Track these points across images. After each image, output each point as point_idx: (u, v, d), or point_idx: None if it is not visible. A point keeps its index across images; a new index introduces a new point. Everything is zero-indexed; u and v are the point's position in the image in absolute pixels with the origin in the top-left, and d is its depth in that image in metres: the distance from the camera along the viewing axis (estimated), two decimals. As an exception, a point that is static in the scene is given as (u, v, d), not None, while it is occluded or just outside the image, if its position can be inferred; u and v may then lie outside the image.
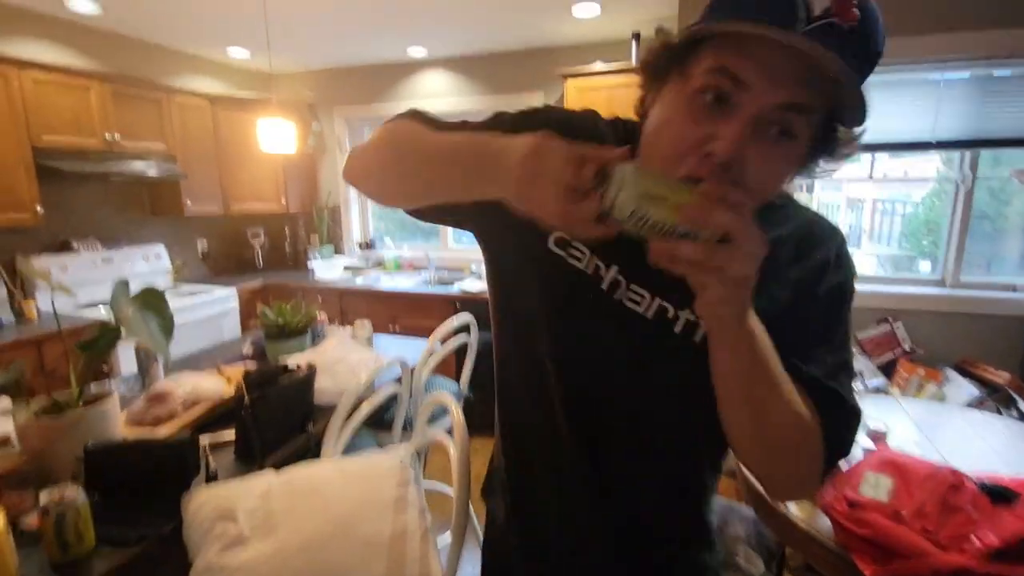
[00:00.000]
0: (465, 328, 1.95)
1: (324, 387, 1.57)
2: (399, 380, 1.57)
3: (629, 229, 0.42)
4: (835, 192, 3.58)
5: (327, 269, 3.64)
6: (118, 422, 1.24)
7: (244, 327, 3.35)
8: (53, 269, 2.83)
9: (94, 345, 1.15)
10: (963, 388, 2.22)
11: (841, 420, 0.57)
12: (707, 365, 0.51)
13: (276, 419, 1.32)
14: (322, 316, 1.99)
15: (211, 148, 3.52)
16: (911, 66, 2.34)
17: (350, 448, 1.57)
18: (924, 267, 2.92)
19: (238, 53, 3.58)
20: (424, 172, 0.59)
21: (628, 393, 0.62)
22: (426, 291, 3.32)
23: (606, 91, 2.93)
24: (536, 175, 0.44)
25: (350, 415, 1.39)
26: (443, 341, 1.92)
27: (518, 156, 0.45)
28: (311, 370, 1.43)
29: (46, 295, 2.80)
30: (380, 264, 4.00)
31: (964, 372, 2.34)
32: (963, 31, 2.21)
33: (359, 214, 4.21)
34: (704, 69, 0.47)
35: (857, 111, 0.46)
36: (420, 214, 0.68)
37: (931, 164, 2.74)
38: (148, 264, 3.34)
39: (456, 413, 1.08)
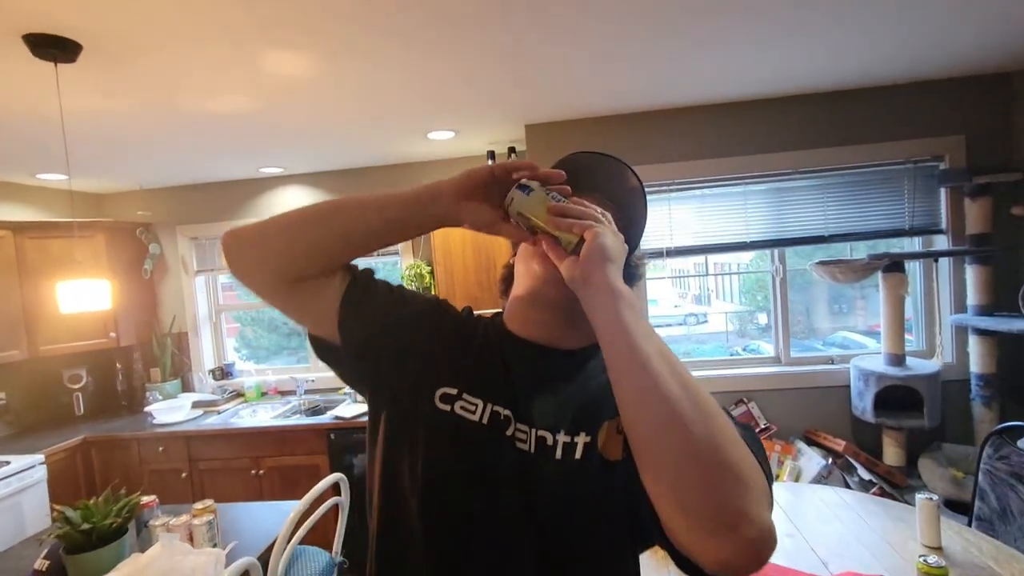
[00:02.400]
0: (335, 488, 1.73)
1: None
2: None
3: (523, 224, 0.63)
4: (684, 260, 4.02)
5: (171, 411, 3.12)
6: None
7: (55, 518, 2.69)
8: None
9: None
10: (813, 459, 2.45)
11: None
12: (595, 480, 0.60)
13: None
14: (149, 500, 1.63)
15: (13, 285, 2.96)
16: (721, 182, 2.76)
17: None
18: (762, 319, 3.30)
19: (52, 177, 3.16)
20: (352, 222, 0.67)
21: (532, 529, 0.62)
22: (295, 423, 2.98)
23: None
24: (472, 186, 0.63)
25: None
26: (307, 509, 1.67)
27: (456, 179, 0.63)
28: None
29: None
30: (239, 395, 3.56)
31: (810, 442, 2.59)
32: (763, 153, 2.67)
33: (211, 338, 3.77)
34: None
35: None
36: (319, 345, 0.72)
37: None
38: (-89, 438, 2.60)
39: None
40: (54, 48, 1.45)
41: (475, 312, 0.81)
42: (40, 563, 1.50)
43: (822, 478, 2.32)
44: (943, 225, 2.61)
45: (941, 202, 2.61)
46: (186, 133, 2.48)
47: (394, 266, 3.58)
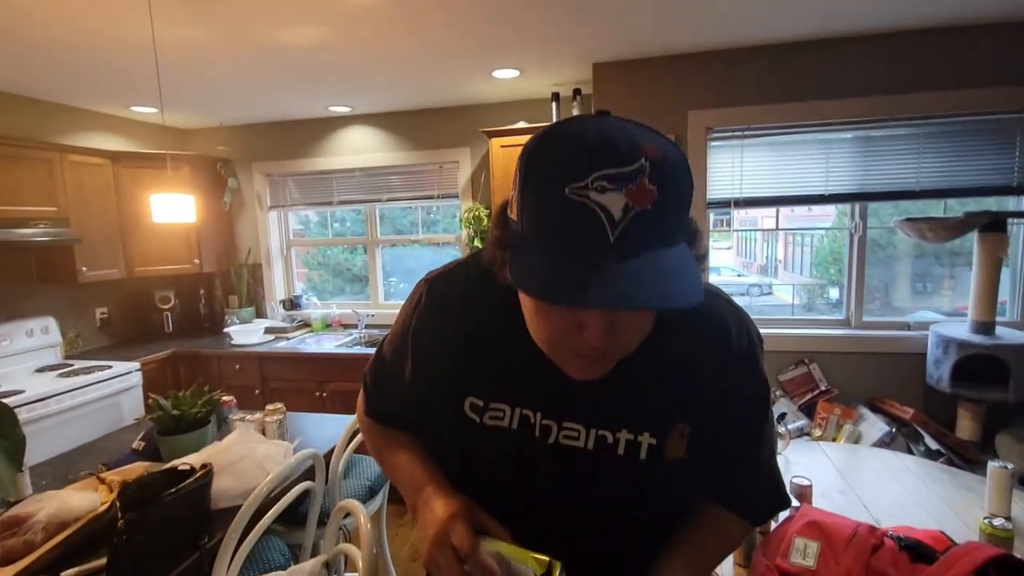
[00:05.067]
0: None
1: (226, 488, 1.40)
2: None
3: None
4: (751, 226, 3.80)
5: (246, 333, 3.39)
6: (-47, 566, 1.03)
7: (150, 406, 3.03)
8: (-91, 354, 2.45)
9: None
10: (876, 425, 2.34)
11: (772, 512, 0.76)
12: (657, 475, 0.64)
13: (159, 541, 1.15)
14: (228, 399, 1.81)
15: (111, 208, 3.25)
16: (802, 129, 2.56)
17: (255, 556, 1.40)
18: (834, 294, 3.12)
19: (144, 110, 3.38)
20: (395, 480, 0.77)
21: (582, 521, 0.66)
22: (355, 352, 3.16)
23: (518, 149, 2.99)
24: (426, 540, 0.61)
25: (254, 520, 1.24)
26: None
27: (421, 521, 0.64)
28: (206, 476, 1.27)
29: (-103, 385, 2.41)
30: (306, 324, 3.79)
31: (875, 409, 2.47)
32: (847, 97, 2.45)
33: (283, 271, 4.01)
34: None
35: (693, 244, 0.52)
36: None
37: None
38: (33, 339, 2.98)
39: (363, 522, 0.97)
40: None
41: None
42: (137, 443, 1.71)
43: (884, 444, 2.21)
44: (1059, 183, 2.32)
45: (1060, 157, 2.31)
46: (262, 66, 2.57)
47: (456, 210, 3.62)
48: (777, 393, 2.65)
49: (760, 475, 0.70)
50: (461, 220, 3.35)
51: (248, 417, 1.69)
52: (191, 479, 1.25)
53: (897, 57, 2.39)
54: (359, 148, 3.67)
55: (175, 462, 1.37)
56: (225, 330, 3.46)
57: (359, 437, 1.73)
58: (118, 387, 2.91)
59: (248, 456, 1.43)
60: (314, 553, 1.48)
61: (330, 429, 1.93)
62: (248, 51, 2.35)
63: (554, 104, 3.04)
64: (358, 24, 2.09)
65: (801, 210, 3.20)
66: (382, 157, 3.61)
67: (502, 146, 3.03)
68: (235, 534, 1.15)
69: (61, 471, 1.67)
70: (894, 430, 2.29)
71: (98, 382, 2.81)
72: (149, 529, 1.13)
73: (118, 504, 1.12)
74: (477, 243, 3.24)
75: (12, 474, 0.95)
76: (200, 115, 3.57)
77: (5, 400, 2.41)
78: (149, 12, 1.80)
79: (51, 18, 1.93)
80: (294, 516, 1.57)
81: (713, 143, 2.67)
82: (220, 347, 3.37)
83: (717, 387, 0.64)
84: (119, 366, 2.97)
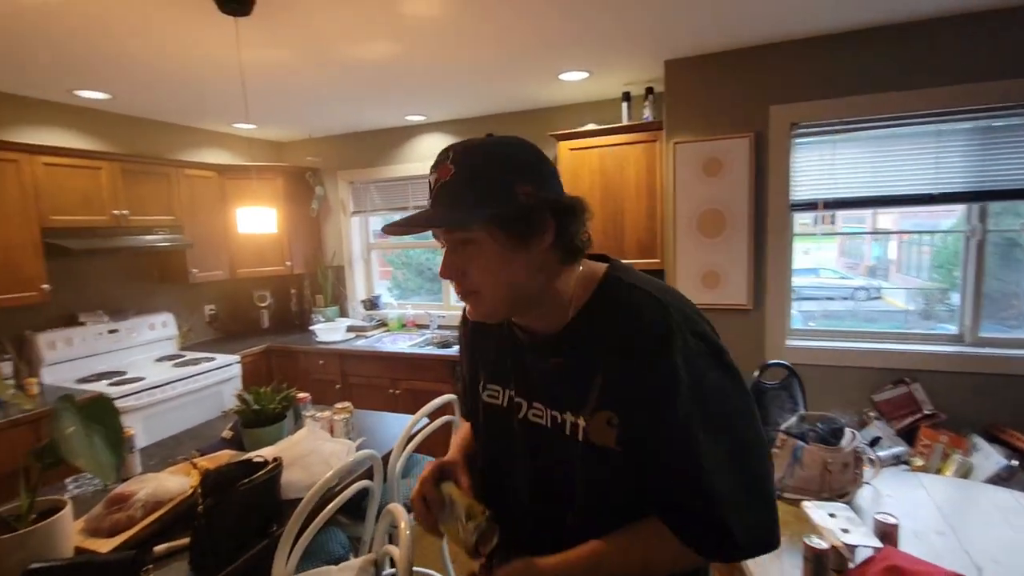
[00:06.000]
0: (448, 408, 1.89)
1: (294, 480, 1.51)
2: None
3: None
4: (858, 224, 3.43)
5: (330, 331, 3.64)
6: (70, 535, 1.20)
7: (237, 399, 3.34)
8: (59, 343, 2.88)
9: (46, 455, 1.12)
10: (991, 458, 2.04)
11: (720, 544, 0.66)
12: (595, 455, 0.70)
13: (234, 525, 1.27)
14: (304, 396, 1.95)
15: (218, 216, 3.62)
16: (907, 120, 2.29)
17: (318, 546, 1.50)
18: (956, 299, 2.76)
19: (244, 126, 3.73)
20: None
21: (541, 493, 0.78)
22: (425, 352, 3.28)
23: (597, 151, 2.94)
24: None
25: (315, 511, 1.33)
26: (431, 418, 1.86)
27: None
28: (275, 469, 1.38)
29: (50, 370, 2.85)
30: (383, 324, 4.00)
31: (992, 439, 2.16)
32: (964, 83, 2.16)
33: (364, 272, 4.25)
34: None
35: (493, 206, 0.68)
36: None
37: (939, 213, 2.63)
38: (154, 332, 3.39)
39: (403, 527, 1.01)
40: (233, 2, 1.68)
41: None
42: (227, 432, 1.89)
43: (1000, 479, 1.93)
44: None
45: None
46: (340, 81, 2.74)
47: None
48: (870, 414, 2.40)
49: (700, 491, 0.64)
50: None
51: (318, 414, 1.81)
52: (263, 471, 1.37)
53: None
54: (433, 155, 3.78)
55: (251, 453, 1.50)
56: (311, 327, 3.74)
57: (418, 438, 1.79)
58: (220, 377, 3.24)
59: (315, 452, 1.54)
60: (372, 548, 1.56)
61: (394, 429, 2.02)
62: (326, 67, 2.52)
63: (625, 104, 2.96)
64: (425, 36, 2.16)
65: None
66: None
67: (571, 149, 3.00)
68: (296, 524, 1.23)
69: (166, 453, 1.90)
70: (1015, 464, 1.99)
71: (203, 372, 3.14)
72: (224, 515, 1.25)
73: (199, 490, 1.25)
74: None
75: (113, 461, 1.08)
76: (292, 128, 3.87)
77: (131, 385, 2.78)
78: (236, 40, 1.99)
79: (166, 51, 2.19)
80: (357, 511, 1.67)
81: (799, 140, 2.47)
82: (307, 343, 3.64)
83: (630, 373, 0.67)
84: (221, 358, 3.30)
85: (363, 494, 1.52)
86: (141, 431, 2.78)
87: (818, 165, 2.45)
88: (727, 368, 0.68)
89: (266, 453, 1.48)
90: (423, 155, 3.83)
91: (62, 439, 1.02)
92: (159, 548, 1.29)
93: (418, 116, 3.58)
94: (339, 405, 1.86)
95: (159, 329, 3.43)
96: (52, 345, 2.86)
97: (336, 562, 1.42)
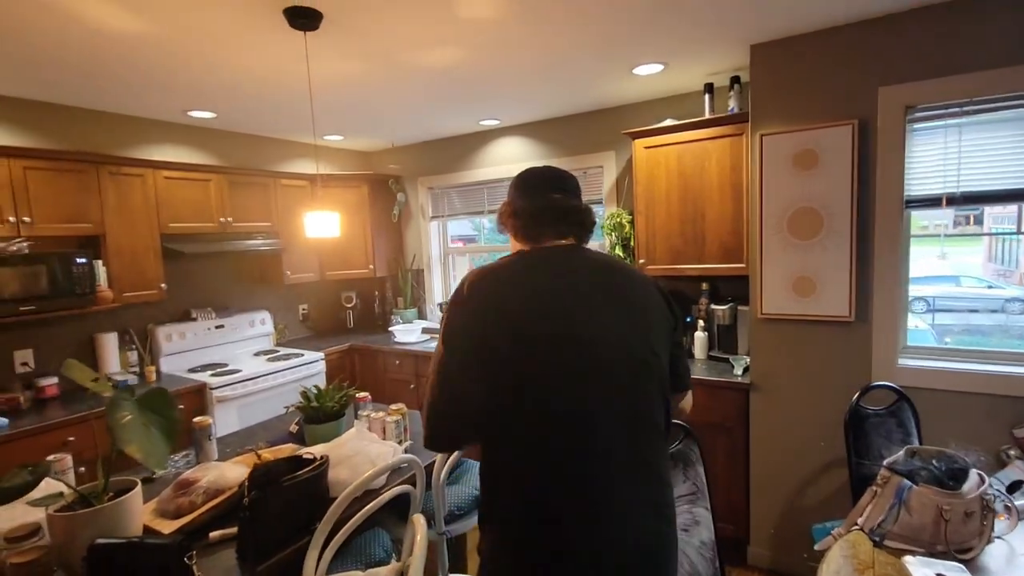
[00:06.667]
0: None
1: (342, 479, 1.54)
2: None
3: None
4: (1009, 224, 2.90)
5: (407, 332, 3.75)
6: (139, 515, 1.31)
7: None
8: (174, 336, 3.24)
9: (120, 434, 1.22)
10: None
11: None
12: None
13: (277, 520, 1.31)
14: (363, 395, 2.00)
15: (310, 222, 3.88)
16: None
17: (359, 547, 1.51)
18: None
19: (332, 138, 3.98)
20: None
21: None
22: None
23: (675, 148, 2.74)
24: None
25: (354, 512, 1.34)
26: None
27: None
28: (320, 467, 1.41)
29: (167, 360, 3.22)
30: (458, 326, 4.05)
31: None
32: None
33: (441, 276, 4.35)
34: None
35: None
36: None
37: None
38: (254, 328, 3.71)
39: (419, 539, 0.97)
40: (302, 17, 1.76)
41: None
42: (293, 427, 1.99)
43: None
44: None
45: None
46: (411, 91, 2.81)
47: (598, 216, 3.51)
48: (1010, 452, 1.99)
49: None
50: (603, 226, 3.22)
51: (373, 415, 1.85)
52: (307, 468, 1.40)
53: None
54: (509, 158, 3.79)
55: (303, 450, 1.55)
56: (390, 328, 3.88)
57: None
58: (306, 373, 3.46)
59: (361, 452, 1.56)
60: (402, 557, 1.55)
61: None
62: (395, 77, 2.58)
63: (707, 97, 2.74)
64: (488, 39, 2.14)
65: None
66: (529, 166, 3.67)
67: (647, 147, 2.83)
68: (328, 524, 1.25)
69: (242, 442, 2.04)
70: None
71: (291, 368, 3.38)
72: (269, 508, 1.29)
73: (246, 483, 1.30)
74: (619, 251, 3.09)
75: (165, 450, 1.16)
76: (376, 138, 4.06)
77: (229, 376, 3.06)
78: (306, 54, 2.10)
79: (257, 74, 2.38)
80: (404, 515, 1.67)
81: (916, 125, 2.12)
82: (386, 343, 3.78)
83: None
84: (309, 355, 3.53)
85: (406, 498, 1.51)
86: (235, 419, 3.05)
87: (941, 154, 2.08)
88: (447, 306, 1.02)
89: (316, 451, 1.53)
90: (499, 159, 3.83)
91: (117, 427, 1.11)
92: (214, 534, 1.36)
93: (492, 121, 3.59)
94: (393, 407, 1.88)
95: (258, 326, 3.74)
96: (168, 337, 3.22)
97: (375, 565, 1.42)
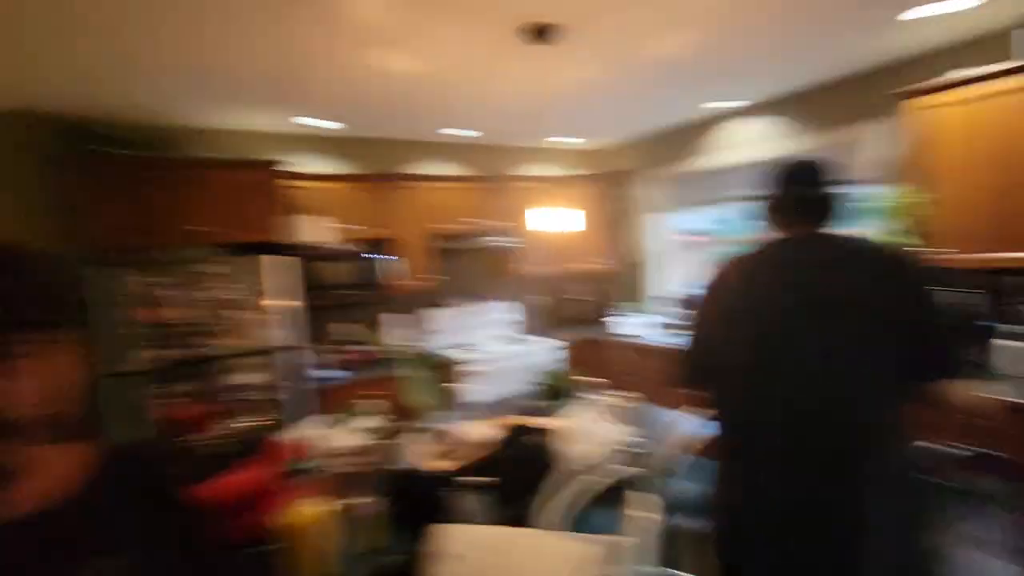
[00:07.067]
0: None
1: (572, 454, 1.69)
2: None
3: None
4: None
5: (631, 325, 3.82)
6: (417, 453, 1.68)
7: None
8: (435, 318, 3.94)
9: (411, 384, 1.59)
10: None
11: None
12: None
13: (516, 473, 1.53)
14: (599, 381, 2.14)
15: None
16: None
17: (585, 522, 1.63)
18: None
19: (565, 139, 4.26)
20: None
21: None
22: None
23: (976, 106, 2.16)
24: None
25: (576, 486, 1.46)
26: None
27: None
28: (544, 436, 1.59)
29: (432, 337, 3.92)
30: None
31: None
32: None
33: (666, 268, 4.25)
34: None
35: None
36: None
37: None
38: (500, 315, 4.25)
39: (649, 517, 1.03)
40: (539, 35, 1.97)
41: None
42: (532, 402, 2.24)
43: None
44: None
45: None
46: (643, 83, 2.85)
47: (876, 198, 2.97)
48: None
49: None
50: (884, 210, 2.65)
51: (600, 400, 1.96)
52: (536, 435, 1.60)
53: None
54: (744, 142, 3.51)
55: (540, 421, 1.76)
56: (617, 320, 3.99)
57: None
58: (540, 358, 3.80)
59: (591, 432, 1.68)
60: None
61: (682, 425, 1.99)
62: (629, 72, 2.65)
63: (1017, 34, 2.08)
64: (727, 11, 2.03)
65: None
66: (771, 147, 3.33)
67: (925, 108, 2.30)
68: (552, 489, 1.40)
69: (490, 410, 2.38)
70: None
71: (528, 352, 3.77)
72: (509, 461, 1.52)
73: (506, 436, 1.55)
74: (903, 238, 2.49)
75: (433, 402, 1.47)
76: (606, 136, 4.21)
77: (474, 354, 3.58)
78: (547, 65, 2.33)
79: (504, 90, 2.74)
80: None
81: None
82: (612, 335, 3.91)
83: None
84: (542, 341, 3.90)
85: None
86: (480, 391, 3.54)
87: None
88: None
89: (547, 424, 1.71)
90: (728, 144, 3.58)
91: (400, 382, 1.45)
92: (464, 480, 1.65)
93: (721, 103, 3.37)
94: (626, 394, 1.97)
95: (504, 314, 4.27)
96: (433, 319, 3.93)
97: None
